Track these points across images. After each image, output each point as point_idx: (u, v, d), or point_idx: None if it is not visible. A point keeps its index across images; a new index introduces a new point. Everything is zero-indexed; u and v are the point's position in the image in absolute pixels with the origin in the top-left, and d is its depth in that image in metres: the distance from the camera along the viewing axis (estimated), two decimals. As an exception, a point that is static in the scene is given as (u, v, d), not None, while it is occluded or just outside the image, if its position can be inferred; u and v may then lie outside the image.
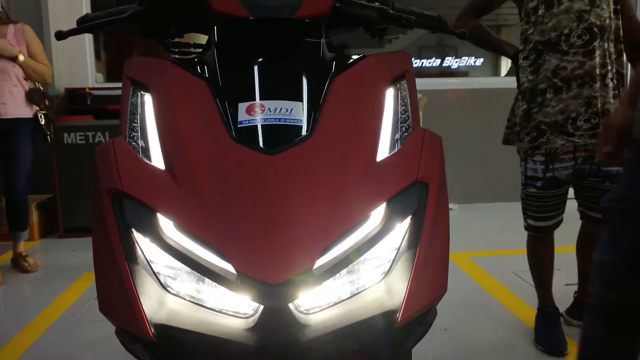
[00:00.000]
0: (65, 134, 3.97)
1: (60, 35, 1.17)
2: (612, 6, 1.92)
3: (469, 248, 3.50)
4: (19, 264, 3.34)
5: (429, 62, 8.94)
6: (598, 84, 1.91)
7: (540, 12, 1.92)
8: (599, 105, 1.92)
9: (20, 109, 3.23)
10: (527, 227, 2.17)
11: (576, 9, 1.88)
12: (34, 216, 3.98)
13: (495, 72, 10.90)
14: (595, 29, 1.88)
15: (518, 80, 2.08)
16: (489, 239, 3.82)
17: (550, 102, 1.95)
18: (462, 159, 4.86)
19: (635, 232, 1.26)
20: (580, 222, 2.26)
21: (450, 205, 4.69)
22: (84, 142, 3.99)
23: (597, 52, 1.90)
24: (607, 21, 1.91)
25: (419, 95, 4.42)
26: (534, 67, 1.97)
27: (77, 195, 3.98)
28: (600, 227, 2.05)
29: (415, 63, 8.57)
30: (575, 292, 2.35)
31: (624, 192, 1.29)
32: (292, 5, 1.06)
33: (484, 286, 2.87)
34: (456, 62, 9.82)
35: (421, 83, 5.32)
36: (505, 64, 11.33)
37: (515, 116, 2.12)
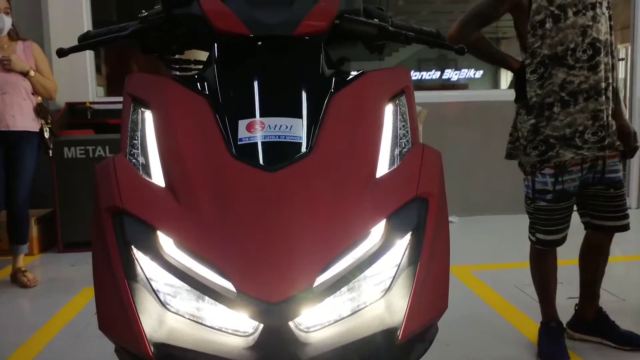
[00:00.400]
0: (66, 148, 3.97)
1: (62, 53, 1.18)
2: (608, 22, 1.99)
3: (470, 261, 3.49)
4: (18, 279, 3.33)
5: (429, 75, 8.98)
6: (603, 98, 1.96)
7: (547, 25, 1.94)
8: (605, 118, 1.96)
9: (28, 122, 3.30)
10: (537, 242, 2.14)
11: (580, 24, 1.92)
12: (34, 230, 3.97)
13: (495, 84, 10.95)
14: (598, 44, 1.94)
15: (519, 93, 2.07)
16: (490, 252, 3.81)
17: (558, 116, 1.97)
18: (463, 172, 4.86)
19: None
20: (582, 235, 2.25)
21: (451, 218, 4.68)
22: (84, 156, 3.99)
23: (601, 67, 1.95)
24: (606, 36, 1.98)
25: (419, 108, 4.46)
26: (541, 82, 1.99)
27: (77, 210, 3.97)
28: (606, 236, 2.13)
29: (415, 75, 8.61)
30: (576, 305, 2.32)
31: None
32: (292, 23, 1.07)
33: (486, 300, 2.85)
34: (456, 74, 9.87)
35: (421, 96, 5.36)
36: (505, 76, 11.40)
37: (518, 130, 2.11)
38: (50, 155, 3.48)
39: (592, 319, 2.24)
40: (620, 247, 3.37)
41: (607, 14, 1.99)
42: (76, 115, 4.44)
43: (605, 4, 1.99)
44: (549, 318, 2.21)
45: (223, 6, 1.08)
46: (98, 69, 5.20)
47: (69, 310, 2.87)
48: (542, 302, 2.25)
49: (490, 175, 5.00)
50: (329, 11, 1.11)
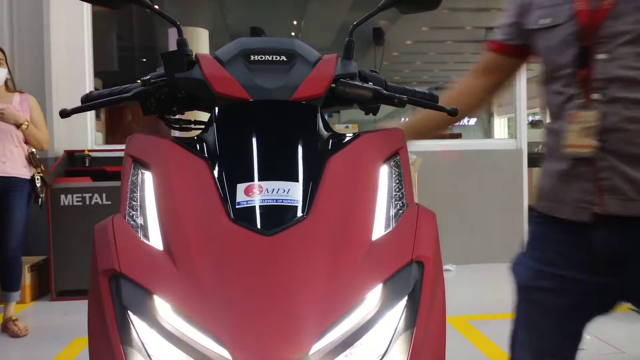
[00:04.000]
0: (62, 196, 3.98)
1: (64, 114, 1.20)
2: None
3: (467, 312, 3.46)
4: (8, 328, 3.28)
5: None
6: None
7: None
8: None
9: (19, 169, 3.33)
10: None
11: None
12: (27, 278, 3.94)
13: (488, 132, 11.11)
14: None
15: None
16: (488, 302, 3.78)
17: None
18: (458, 220, 4.88)
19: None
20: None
21: (447, 266, 4.66)
22: (80, 203, 4.00)
23: None
24: None
25: (413, 157, 4.51)
26: None
27: (71, 258, 3.95)
28: None
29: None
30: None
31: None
32: (290, 88, 1.10)
33: (484, 352, 2.81)
34: (450, 121, 10.01)
35: (416, 145, 5.39)
36: (498, 124, 11.59)
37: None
38: (40, 205, 3.48)
39: None
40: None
41: None
42: (74, 162, 4.48)
43: None
44: None
45: (224, 72, 1.12)
46: (97, 115, 5.27)
47: (60, 362, 2.82)
48: None
49: (486, 223, 5.02)
50: (325, 77, 1.15)
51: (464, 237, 4.89)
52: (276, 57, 1.16)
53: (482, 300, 3.83)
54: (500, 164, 5.10)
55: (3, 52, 3.38)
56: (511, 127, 10.19)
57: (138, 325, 0.88)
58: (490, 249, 4.96)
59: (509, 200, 5.07)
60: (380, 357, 0.90)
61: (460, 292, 3.91)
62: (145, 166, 1.06)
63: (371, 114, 1.36)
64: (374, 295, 0.91)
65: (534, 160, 6.73)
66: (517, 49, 1.40)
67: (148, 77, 1.22)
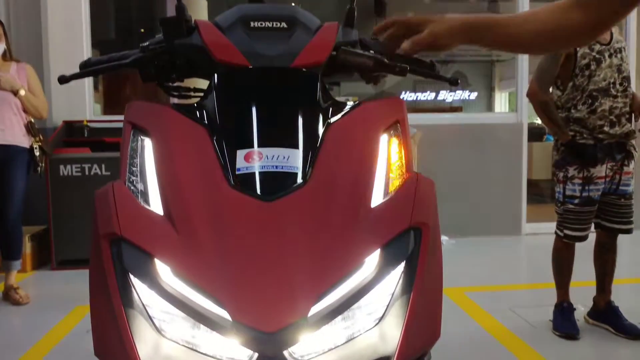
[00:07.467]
0: (62, 166, 3.98)
1: (63, 80, 1.20)
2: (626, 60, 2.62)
3: (465, 283, 3.50)
4: (9, 296, 3.32)
5: (424, 96, 9.07)
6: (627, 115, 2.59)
7: (592, 67, 2.54)
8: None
9: (18, 137, 3.32)
10: (565, 237, 2.69)
11: (615, 64, 2.56)
12: (27, 248, 3.96)
13: (490, 107, 11.06)
14: (626, 79, 2.59)
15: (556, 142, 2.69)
16: (485, 274, 3.82)
17: (609, 132, 2.55)
18: (457, 193, 4.89)
19: None
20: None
21: (443, 238, 4.69)
22: (80, 174, 4.00)
23: (628, 95, 2.60)
24: (629, 72, 2.61)
25: (413, 130, 4.50)
26: (591, 109, 2.55)
27: (71, 228, 3.97)
28: (612, 236, 2.72)
29: (410, 97, 8.71)
30: (594, 297, 2.79)
31: None
32: (290, 55, 1.10)
33: (480, 323, 2.86)
34: (451, 95, 9.98)
35: (415, 118, 5.41)
36: (499, 98, 11.52)
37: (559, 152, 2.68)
38: (39, 174, 3.48)
39: (602, 309, 2.74)
40: None
41: (625, 54, 2.62)
42: (73, 133, 4.46)
43: (625, 49, 2.62)
44: (562, 299, 2.76)
45: (224, 38, 1.11)
46: (95, 86, 5.23)
47: (62, 328, 2.86)
48: (558, 287, 2.79)
49: (485, 197, 5.04)
50: (326, 44, 1.14)
51: (463, 210, 4.91)
52: (276, 24, 1.15)
53: (479, 272, 3.87)
54: (500, 138, 5.09)
55: (2, 25, 3.35)
56: (512, 102, 10.15)
57: (139, 288, 0.89)
58: (489, 222, 4.99)
59: (508, 174, 5.08)
60: (378, 321, 0.92)
61: (457, 265, 3.95)
62: (145, 133, 1.06)
63: (372, 83, 1.36)
64: (372, 260, 0.92)
65: (535, 134, 6.72)
66: None
67: (147, 44, 1.21)
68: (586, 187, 2.58)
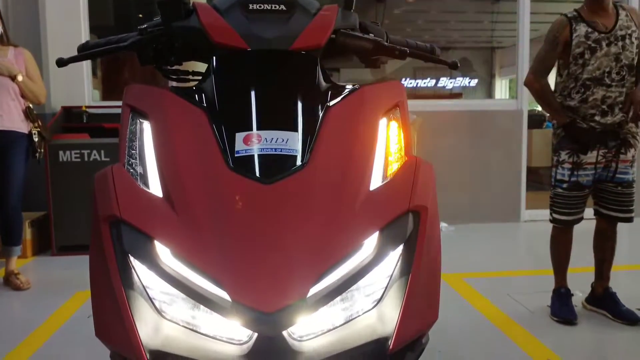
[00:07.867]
0: (61, 152, 3.98)
1: (61, 63, 1.19)
2: (636, 49, 2.53)
3: (463, 269, 3.52)
4: (10, 282, 3.33)
5: (424, 83, 9.03)
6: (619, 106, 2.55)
7: (586, 56, 2.51)
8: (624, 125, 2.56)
9: (17, 123, 3.31)
10: (553, 220, 2.72)
11: (613, 52, 2.50)
12: (27, 233, 3.97)
13: (490, 93, 11.02)
14: (626, 67, 2.51)
15: (567, 140, 2.61)
16: (483, 260, 3.84)
17: (600, 120, 2.54)
18: (456, 180, 4.90)
19: None
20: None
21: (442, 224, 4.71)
22: (79, 160, 4.00)
23: (626, 84, 2.53)
24: (634, 60, 2.52)
25: (413, 116, 4.49)
26: (582, 98, 2.54)
27: (71, 213, 3.98)
28: (610, 224, 2.71)
29: (411, 83, 8.67)
30: (592, 283, 2.81)
31: None
32: (289, 37, 1.09)
33: (478, 308, 2.87)
34: (451, 82, 9.94)
35: (415, 104, 5.38)
36: (500, 85, 11.49)
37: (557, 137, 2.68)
38: (38, 159, 3.48)
39: (600, 295, 2.75)
40: None
41: (635, 43, 2.51)
42: (72, 119, 4.45)
43: (635, 35, 2.51)
44: (560, 285, 2.78)
45: (222, 20, 1.11)
46: (94, 72, 5.21)
47: (62, 313, 2.88)
48: (556, 272, 2.80)
49: (484, 183, 5.04)
50: (325, 26, 1.13)
51: (462, 196, 4.92)
52: (275, 6, 1.14)
53: (478, 258, 3.89)
54: (500, 125, 5.08)
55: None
56: (512, 89, 10.12)
57: (139, 269, 0.90)
58: (488, 209, 5.00)
59: (508, 161, 5.08)
60: (376, 302, 0.93)
61: (456, 251, 3.97)
62: (144, 116, 1.06)
63: (372, 66, 1.35)
64: (371, 242, 0.93)
65: (535, 121, 6.70)
66: None
67: (145, 26, 1.21)
68: (575, 172, 2.58)
